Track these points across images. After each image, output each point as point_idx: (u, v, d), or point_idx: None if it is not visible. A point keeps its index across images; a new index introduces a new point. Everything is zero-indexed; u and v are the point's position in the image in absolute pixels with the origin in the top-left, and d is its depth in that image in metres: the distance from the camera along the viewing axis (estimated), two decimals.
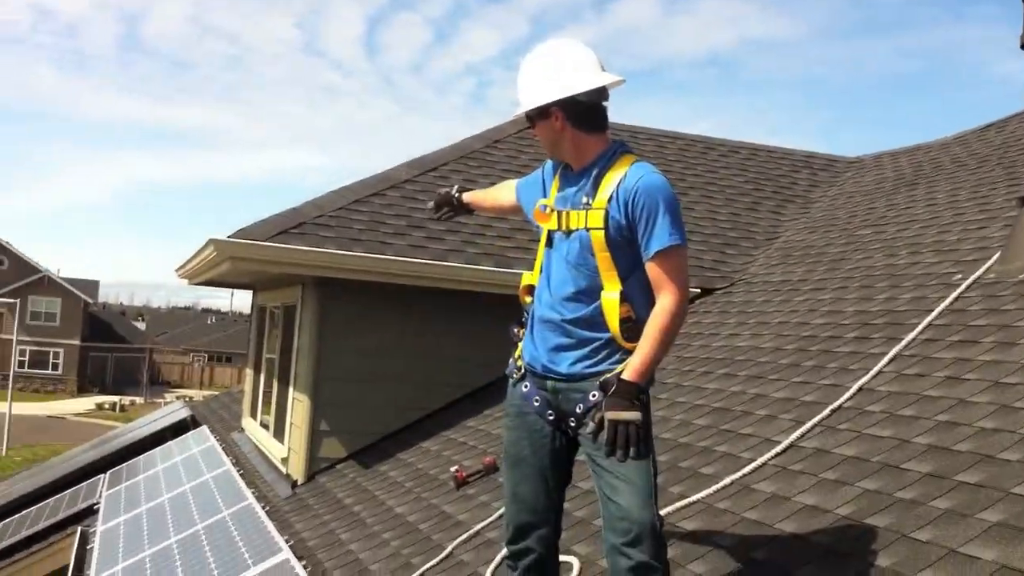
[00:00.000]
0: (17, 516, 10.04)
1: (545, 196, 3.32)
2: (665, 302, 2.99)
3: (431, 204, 4.09)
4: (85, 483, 10.28)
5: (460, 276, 7.16)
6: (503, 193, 3.82)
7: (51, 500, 10.15)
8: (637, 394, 2.95)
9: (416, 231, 7.46)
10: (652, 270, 3.02)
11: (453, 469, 5.94)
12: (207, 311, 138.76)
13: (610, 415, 2.89)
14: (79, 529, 8.35)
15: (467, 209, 4.04)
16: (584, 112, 3.12)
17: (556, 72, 3.10)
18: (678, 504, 4.17)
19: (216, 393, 19.53)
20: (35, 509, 9.99)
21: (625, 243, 3.05)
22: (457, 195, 4.00)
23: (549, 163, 3.41)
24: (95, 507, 8.88)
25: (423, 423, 7.50)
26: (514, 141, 9.52)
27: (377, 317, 7.43)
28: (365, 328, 7.42)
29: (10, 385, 41.16)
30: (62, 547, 8.60)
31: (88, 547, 7.53)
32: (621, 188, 3.04)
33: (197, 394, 45.65)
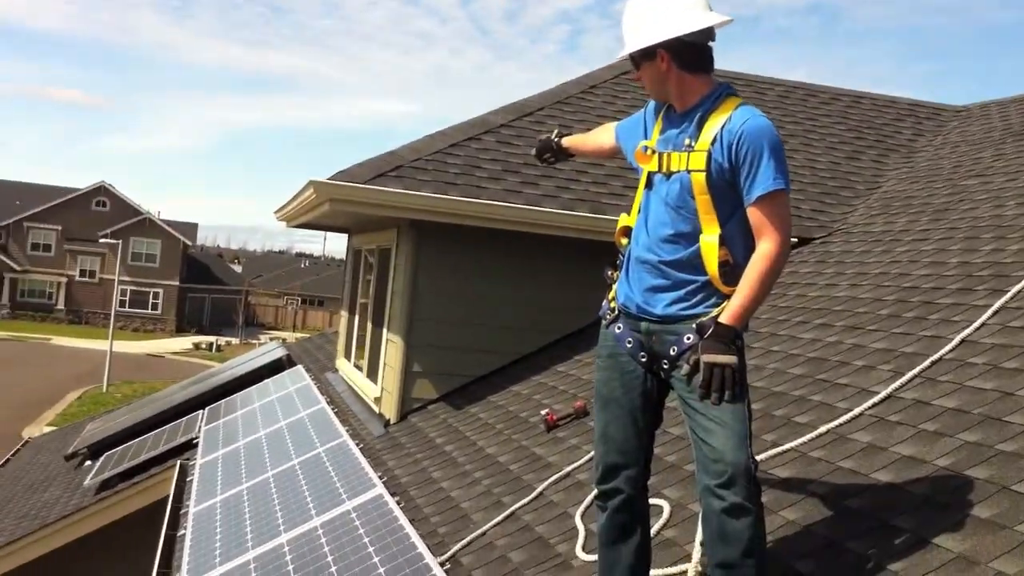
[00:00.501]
0: (120, 448, 10.39)
1: (647, 138, 3.29)
2: (766, 247, 2.96)
3: (533, 151, 4.10)
4: (184, 418, 10.59)
5: (554, 222, 7.16)
6: (603, 136, 3.81)
7: (151, 434, 10.48)
8: (734, 338, 2.94)
9: (511, 176, 7.46)
10: (753, 214, 2.99)
11: (544, 412, 5.99)
12: (301, 255, 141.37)
13: (706, 358, 2.89)
14: (179, 462, 8.60)
15: (567, 154, 4.05)
16: (690, 53, 3.08)
17: (664, 12, 3.06)
18: (771, 452, 4.15)
19: (308, 336, 19.92)
20: (136, 442, 10.32)
21: (726, 186, 3.02)
22: (557, 140, 4.01)
23: (652, 104, 3.38)
24: (194, 441, 9.15)
25: (514, 367, 7.56)
26: (610, 87, 9.43)
27: (471, 261, 7.48)
28: (459, 272, 7.48)
29: (111, 324, 42.54)
30: (163, 479, 8.88)
31: (188, 479, 7.77)
32: (725, 130, 3.00)
33: (290, 336, 46.61)
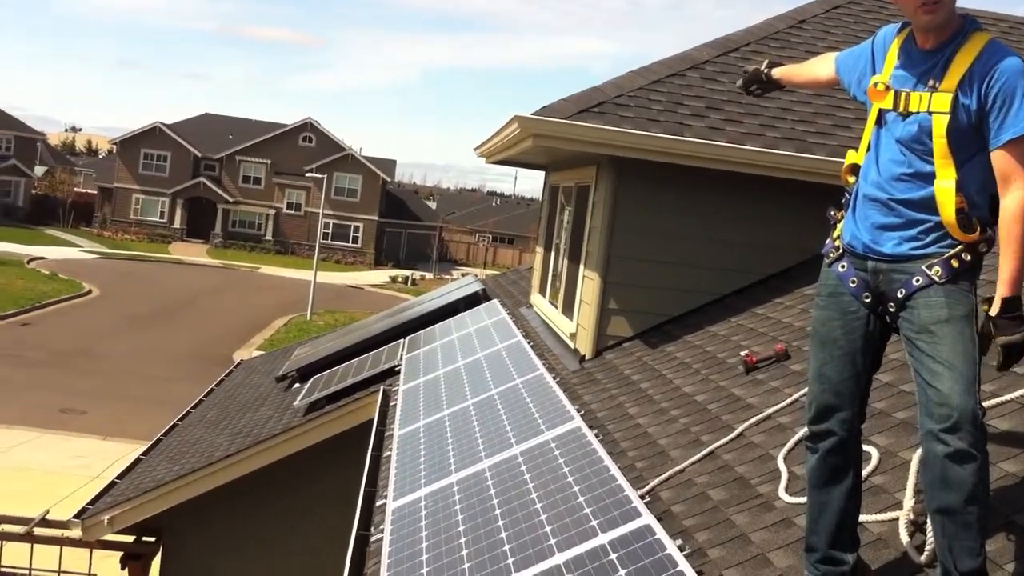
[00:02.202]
0: (326, 373, 10.89)
1: (876, 71, 3.17)
2: (1016, 199, 2.83)
3: (739, 82, 4.04)
4: (386, 346, 10.98)
5: (758, 161, 6.98)
6: (820, 67, 3.69)
7: (355, 360, 10.93)
8: (1018, 307, 2.86)
9: (714, 113, 7.32)
10: (1001, 159, 2.85)
11: (743, 353, 5.91)
12: (492, 194, 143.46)
13: (1003, 340, 2.86)
14: (382, 388, 8.95)
15: (777, 85, 3.96)
16: None
17: None
18: (990, 402, 3.97)
19: (499, 272, 20.26)
20: (342, 367, 10.79)
21: (970, 130, 2.89)
22: (767, 70, 3.92)
23: (880, 35, 3.25)
24: (396, 369, 9.50)
25: (711, 307, 7.48)
26: (820, 21, 9.08)
27: (671, 200, 7.41)
28: (658, 210, 7.43)
29: (315, 254, 44.39)
30: (366, 403, 9.26)
31: (391, 404, 8.09)
32: (976, 70, 2.87)
33: (481, 272, 47.52)
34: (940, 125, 2.91)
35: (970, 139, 2.91)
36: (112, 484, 9.83)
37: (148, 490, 9.10)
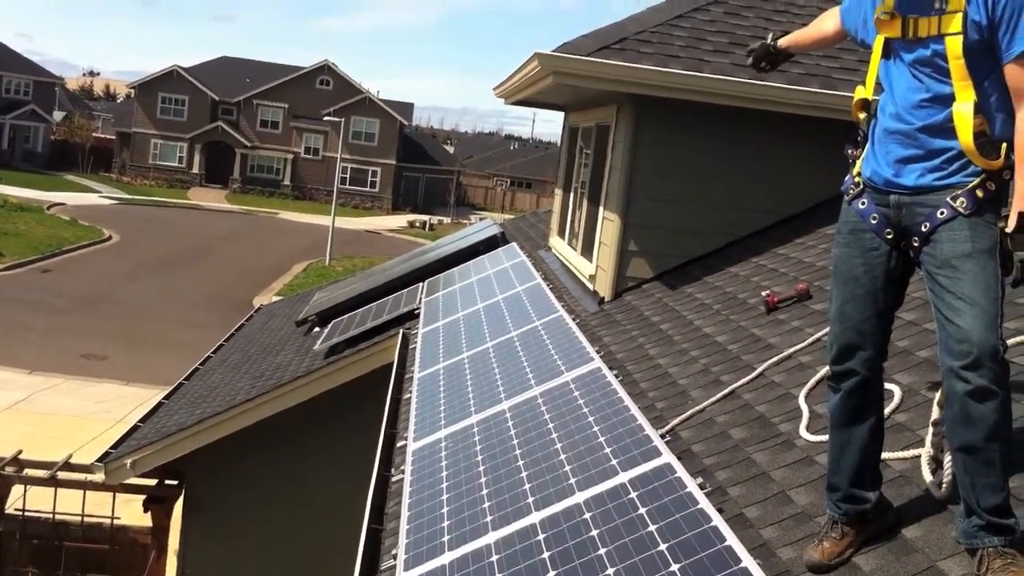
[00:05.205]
0: (346, 317, 10.90)
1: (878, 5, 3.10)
2: None
3: (749, 60, 3.98)
4: (405, 290, 10.97)
5: (781, 98, 6.87)
6: (825, 23, 3.65)
7: (375, 304, 10.92)
8: None
9: (738, 48, 7.18)
10: (1013, 73, 2.79)
11: (764, 293, 5.87)
12: (510, 137, 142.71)
13: (1021, 255, 2.78)
14: (401, 331, 8.95)
15: (786, 55, 3.92)
16: None
17: None
18: (1014, 339, 3.92)
19: (516, 216, 20.19)
20: (361, 311, 10.79)
21: (983, 48, 2.83)
22: (773, 43, 3.88)
23: None
24: (415, 312, 9.49)
25: (732, 248, 7.43)
26: None
27: (691, 139, 7.32)
28: (679, 149, 7.34)
29: (333, 200, 44.37)
30: (386, 347, 9.27)
31: (411, 347, 8.09)
32: None
33: (499, 217, 47.36)
34: (955, 46, 2.84)
35: (984, 59, 2.84)
36: (134, 428, 9.92)
37: (170, 434, 9.18)
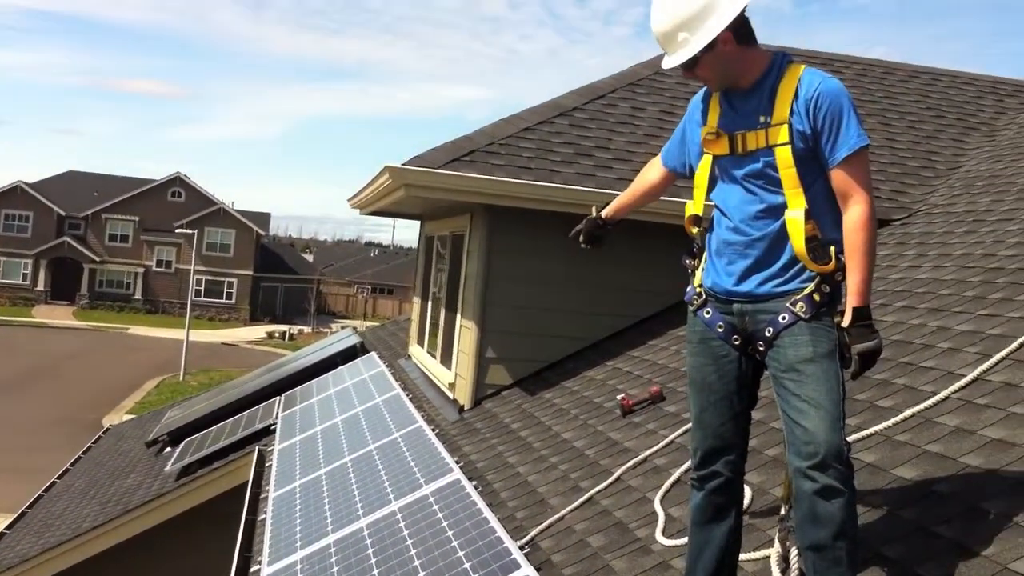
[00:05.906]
0: (199, 435, 10.56)
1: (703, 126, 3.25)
2: (858, 211, 2.93)
3: (581, 239, 3.78)
4: (262, 405, 10.73)
5: None
6: (649, 174, 3.71)
7: (230, 421, 10.63)
8: (868, 316, 2.91)
9: (584, 159, 7.41)
10: (839, 177, 2.95)
11: (620, 397, 5.95)
12: (370, 244, 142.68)
13: (858, 348, 2.88)
14: (256, 448, 8.71)
15: (615, 223, 3.80)
16: (745, 26, 3.06)
17: None
18: (856, 435, 4.06)
19: (379, 324, 20.08)
20: (215, 429, 10.48)
21: (809, 155, 2.98)
22: (598, 214, 3.78)
23: (694, 101, 3.36)
24: (272, 427, 9.27)
25: (588, 352, 7.53)
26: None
27: (545, 246, 7.45)
28: (533, 256, 7.46)
29: (188, 313, 43.32)
30: (242, 464, 9.00)
31: (266, 464, 7.87)
32: (800, 97, 2.96)
33: (361, 324, 47.02)
34: (786, 156, 2.98)
35: (811, 165, 2.99)
36: None
37: (12, 566, 8.65)
